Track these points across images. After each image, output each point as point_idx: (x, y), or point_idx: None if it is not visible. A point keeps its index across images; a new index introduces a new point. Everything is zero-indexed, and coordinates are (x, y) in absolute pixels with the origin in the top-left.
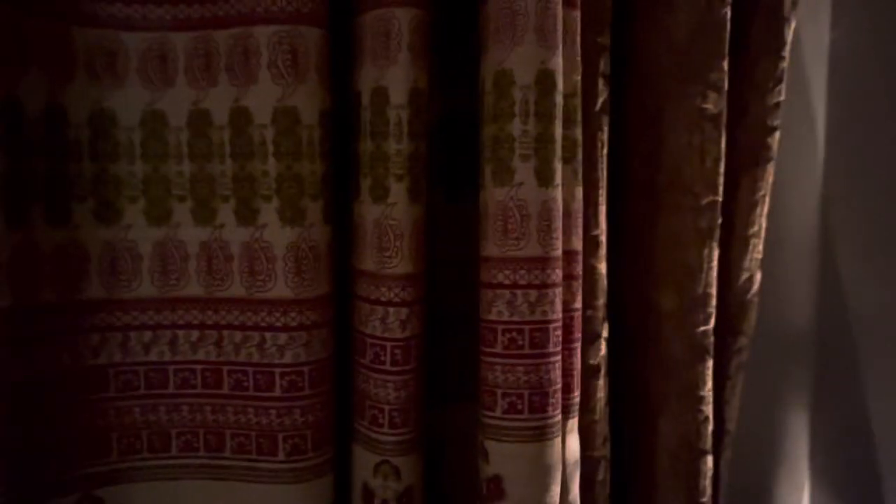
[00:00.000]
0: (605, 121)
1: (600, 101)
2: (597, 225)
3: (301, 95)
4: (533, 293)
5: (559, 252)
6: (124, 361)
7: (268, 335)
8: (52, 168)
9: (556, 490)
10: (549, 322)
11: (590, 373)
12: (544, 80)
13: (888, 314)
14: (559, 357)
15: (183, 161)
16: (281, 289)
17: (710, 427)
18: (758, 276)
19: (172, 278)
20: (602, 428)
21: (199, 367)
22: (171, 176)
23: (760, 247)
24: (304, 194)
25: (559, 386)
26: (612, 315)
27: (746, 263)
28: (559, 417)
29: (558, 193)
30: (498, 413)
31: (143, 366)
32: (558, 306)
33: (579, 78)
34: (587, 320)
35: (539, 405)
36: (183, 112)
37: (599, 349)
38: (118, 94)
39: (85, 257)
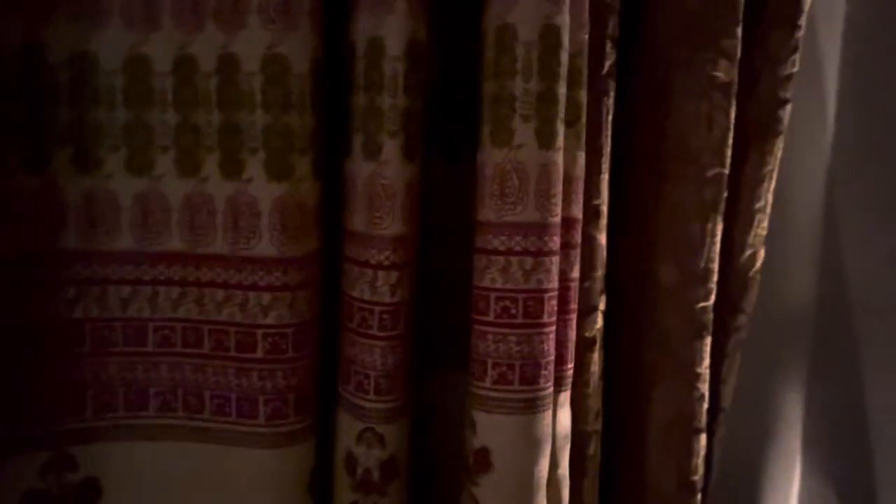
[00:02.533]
0: (612, 85)
1: (607, 64)
2: (598, 194)
3: (292, 43)
4: (528, 260)
5: (558, 219)
6: (101, 317)
7: (251, 294)
8: (28, 111)
9: (544, 463)
10: (545, 291)
11: (585, 345)
12: (549, 36)
13: (888, 297)
14: (553, 328)
15: (167, 109)
16: (265, 246)
17: (706, 405)
18: (761, 253)
19: (153, 232)
20: (595, 402)
21: (179, 324)
22: (154, 124)
23: (765, 223)
24: (293, 148)
25: (552, 357)
26: (610, 287)
27: (750, 239)
28: (551, 390)
29: (559, 157)
30: (488, 383)
31: (120, 321)
32: (554, 275)
33: (586, 36)
34: (584, 292)
35: (530, 376)
36: (168, 57)
37: (596, 322)
38: (100, 34)
39: (62, 206)
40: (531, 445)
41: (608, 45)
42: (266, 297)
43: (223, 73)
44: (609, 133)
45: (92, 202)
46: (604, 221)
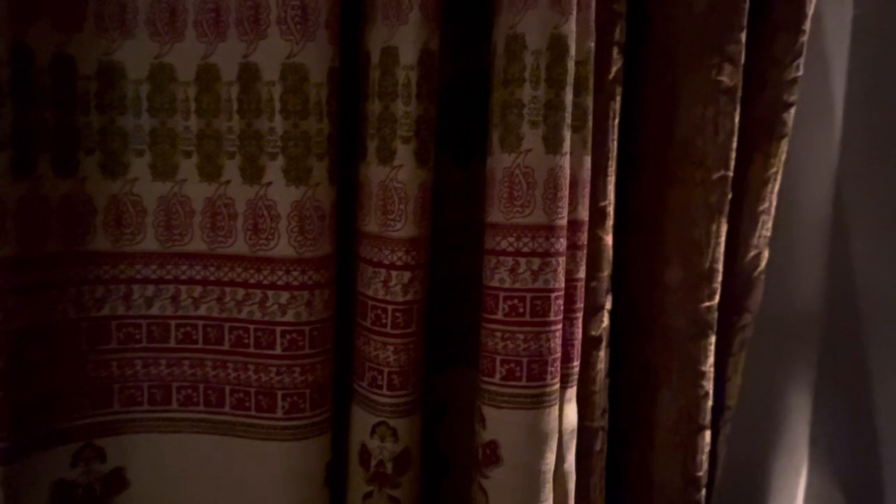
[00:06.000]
0: (618, 90)
1: (614, 69)
2: (605, 196)
3: (310, 53)
4: (536, 261)
5: (564, 221)
6: (127, 314)
7: (270, 293)
8: (59, 119)
9: (551, 458)
10: (552, 291)
11: (591, 344)
12: (557, 45)
13: (893, 296)
14: (560, 326)
15: (190, 116)
16: (284, 247)
17: (710, 402)
18: (765, 254)
19: (176, 233)
20: (601, 399)
21: (200, 322)
22: (178, 130)
23: (770, 224)
24: (310, 153)
25: (558, 355)
26: (616, 287)
27: (755, 240)
28: (557, 386)
29: (566, 161)
30: (496, 379)
31: (145, 319)
32: (561, 275)
33: (593, 44)
34: (591, 291)
35: (537, 373)
36: (191, 66)
37: (602, 321)
38: (126, 45)
39: (91, 209)
40: (538, 439)
41: (615, 51)
42: (284, 296)
43: (244, 82)
44: (616, 136)
45: (118, 205)
46: (610, 222)
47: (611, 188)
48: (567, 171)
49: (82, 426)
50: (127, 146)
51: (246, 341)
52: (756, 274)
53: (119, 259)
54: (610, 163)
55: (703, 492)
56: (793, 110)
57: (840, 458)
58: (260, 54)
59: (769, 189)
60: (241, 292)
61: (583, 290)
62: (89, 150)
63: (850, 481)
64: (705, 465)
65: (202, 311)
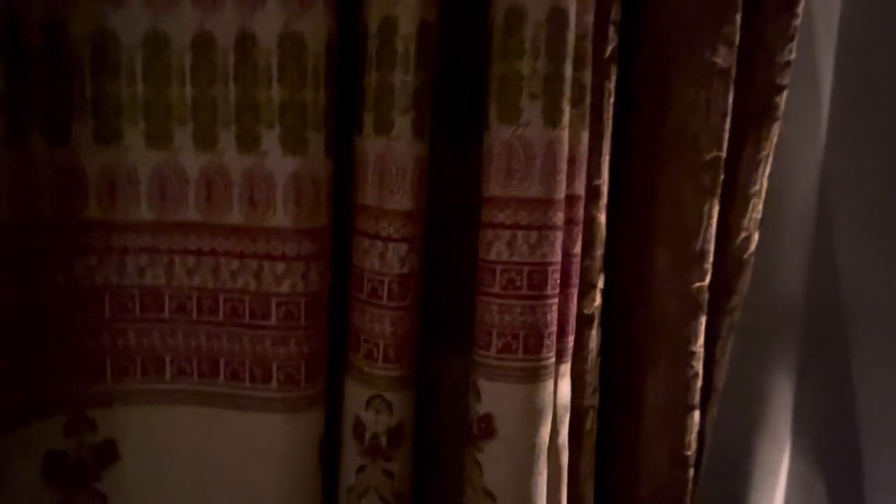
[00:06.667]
0: (614, 69)
1: (609, 48)
2: (599, 174)
3: (308, 22)
4: (534, 234)
5: (562, 195)
6: (120, 283)
7: (265, 264)
8: (51, 86)
9: (545, 431)
10: (549, 264)
11: (584, 322)
12: (557, 17)
13: (878, 288)
14: (556, 300)
15: (185, 84)
16: (280, 218)
17: (700, 383)
18: (755, 237)
19: (171, 203)
20: (592, 378)
21: (195, 293)
22: (172, 99)
23: (760, 207)
24: (307, 124)
25: (554, 329)
26: (608, 267)
27: (745, 223)
28: (552, 360)
29: (565, 135)
30: (492, 352)
31: (138, 289)
32: (558, 249)
33: (592, 20)
34: (584, 270)
35: (533, 346)
36: (187, 34)
37: (594, 299)
38: (120, 12)
39: (83, 178)
40: (533, 413)
41: (611, 30)
42: (280, 267)
43: (240, 50)
44: (610, 115)
45: (112, 174)
46: (604, 201)
47: (605, 167)
48: (566, 146)
49: (73, 396)
50: (120, 114)
51: (241, 312)
52: (746, 256)
53: (112, 228)
54: (605, 141)
55: (692, 471)
56: (785, 94)
57: (822, 442)
58: (257, 23)
59: (760, 172)
60: (236, 263)
61: (578, 266)
62: (81, 117)
63: (831, 464)
64: (694, 446)
65: (196, 281)
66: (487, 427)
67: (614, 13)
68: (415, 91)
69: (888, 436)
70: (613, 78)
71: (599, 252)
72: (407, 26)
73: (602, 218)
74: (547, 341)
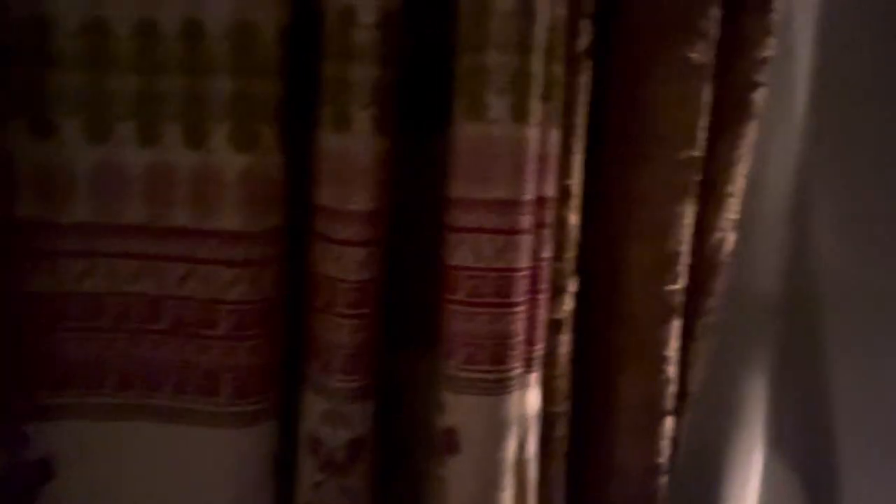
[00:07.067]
0: (587, 65)
1: (583, 42)
2: (571, 174)
3: (260, 9)
4: (500, 238)
5: (531, 196)
6: (55, 290)
7: (213, 269)
8: None
9: (512, 445)
10: (516, 270)
11: (555, 327)
12: (525, 8)
13: (856, 282)
14: (524, 307)
15: (128, 75)
16: (229, 220)
17: (673, 388)
18: (731, 237)
19: (111, 203)
20: (563, 384)
21: (137, 300)
22: (113, 91)
23: (737, 207)
24: (259, 118)
25: (522, 338)
26: (580, 269)
27: (721, 223)
28: (520, 370)
29: (533, 133)
30: (456, 363)
31: (75, 296)
32: (526, 254)
33: (564, 12)
34: (555, 273)
35: (500, 357)
36: (128, 21)
37: (566, 303)
38: None
39: (14, 173)
40: (499, 426)
41: (584, 23)
42: (229, 273)
43: (187, 39)
44: (583, 112)
45: (46, 170)
46: (576, 202)
47: (577, 166)
48: (535, 144)
49: (5, 411)
50: (56, 106)
51: (187, 320)
52: (721, 257)
53: (47, 229)
54: (576, 140)
55: (664, 478)
56: (762, 91)
57: (796, 444)
58: (205, 9)
59: (737, 171)
60: (182, 268)
61: (548, 270)
62: (14, 110)
63: (807, 464)
64: (667, 452)
65: (139, 287)
66: (451, 441)
67: (588, 6)
68: (375, 84)
69: (864, 435)
70: (587, 74)
71: (571, 254)
72: (367, 16)
73: (574, 219)
74: (514, 351)
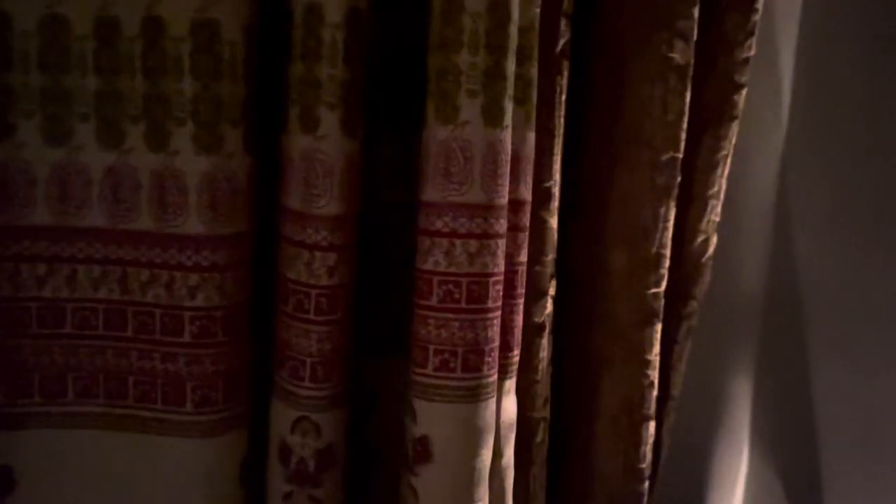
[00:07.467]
0: (566, 65)
1: (561, 42)
2: (550, 176)
3: (223, 7)
4: (473, 243)
5: (504, 200)
6: (15, 296)
7: (177, 274)
8: None
9: (486, 454)
10: (490, 275)
11: (534, 331)
12: (498, 8)
13: (838, 283)
14: (498, 313)
15: (87, 75)
16: (193, 224)
17: (655, 392)
18: (714, 239)
19: (72, 206)
20: (543, 389)
21: (100, 306)
22: (73, 91)
23: (719, 209)
24: (223, 119)
25: (496, 344)
26: (560, 272)
27: (703, 225)
28: (495, 377)
29: (507, 136)
30: (429, 370)
31: (35, 302)
32: (500, 259)
33: (538, 11)
34: (534, 276)
35: (473, 364)
36: (88, 18)
37: (545, 307)
38: None
39: None
40: (473, 435)
41: (563, 23)
42: (193, 278)
43: (148, 37)
44: (562, 113)
45: (3, 172)
46: (555, 204)
47: (556, 168)
48: (508, 147)
49: None
50: (13, 106)
51: (151, 327)
52: (703, 260)
53: (5, 233)
54: (556, 141)
55: (647, 483)
56: (744, 92)
57: (780, 445)
58: (166, 7)
59: (719, 172)
60: (145, 273)
61: (524, 274)
62: None
63: (789, 467)
64: (649, 457)
65: (102, 293)
66: (423, 450)
67: (566, 5)
68: (343, 85)
69: (847, 435)
70: (566, 74)
71: (551, 257)
72: (334, 14)
73: (553, 221)
74: (488, 358)
